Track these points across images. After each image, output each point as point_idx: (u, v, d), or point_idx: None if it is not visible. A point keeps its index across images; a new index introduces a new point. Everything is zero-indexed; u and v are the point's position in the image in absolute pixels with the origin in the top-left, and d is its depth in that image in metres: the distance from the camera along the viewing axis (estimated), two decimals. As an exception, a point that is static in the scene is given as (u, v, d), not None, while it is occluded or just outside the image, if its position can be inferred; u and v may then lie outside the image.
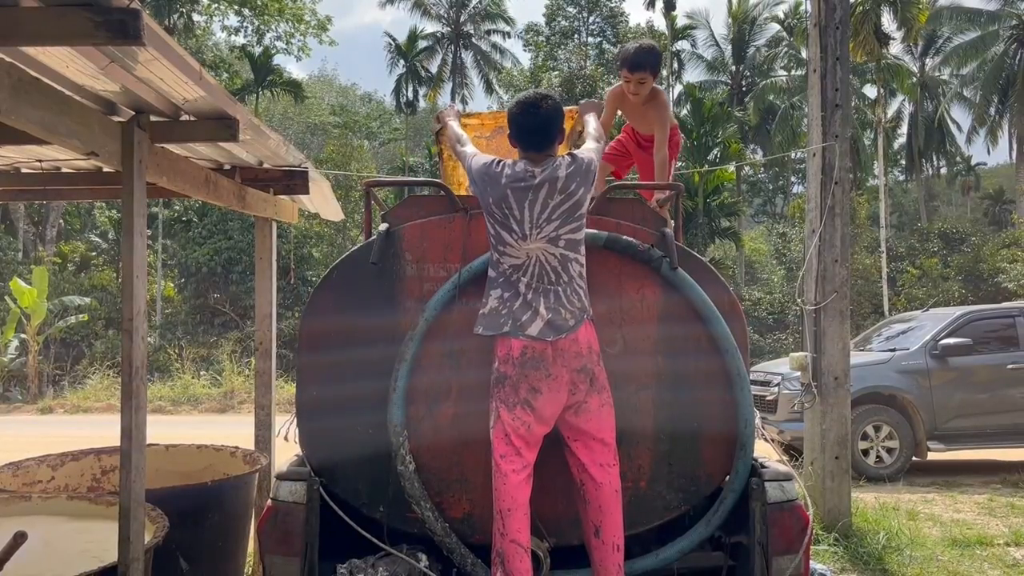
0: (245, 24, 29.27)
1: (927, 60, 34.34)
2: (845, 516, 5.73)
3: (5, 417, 14.96)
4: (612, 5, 39.36)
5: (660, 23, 33.75)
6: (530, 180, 2.71)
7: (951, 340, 8.56)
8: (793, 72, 32.13)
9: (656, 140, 3.92)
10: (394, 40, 38.56)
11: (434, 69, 39.19)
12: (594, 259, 2.86)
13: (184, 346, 19.27)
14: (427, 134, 36.73)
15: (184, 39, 26.06)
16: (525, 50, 40.54)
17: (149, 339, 3.89)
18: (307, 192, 4.39)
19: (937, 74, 34.36)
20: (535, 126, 2.80)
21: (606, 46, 38.07)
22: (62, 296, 19.75)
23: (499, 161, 2.81)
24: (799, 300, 6.20)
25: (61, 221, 27.18)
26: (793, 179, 38.43)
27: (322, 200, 4.82)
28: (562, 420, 2.71)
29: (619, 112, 4.24)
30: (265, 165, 4.16)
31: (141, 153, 2.72)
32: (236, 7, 27.70)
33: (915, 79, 31.09)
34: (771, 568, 2.78)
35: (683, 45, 35.26)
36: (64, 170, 4.11)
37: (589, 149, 2.91)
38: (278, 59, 41.49)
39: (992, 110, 30.77)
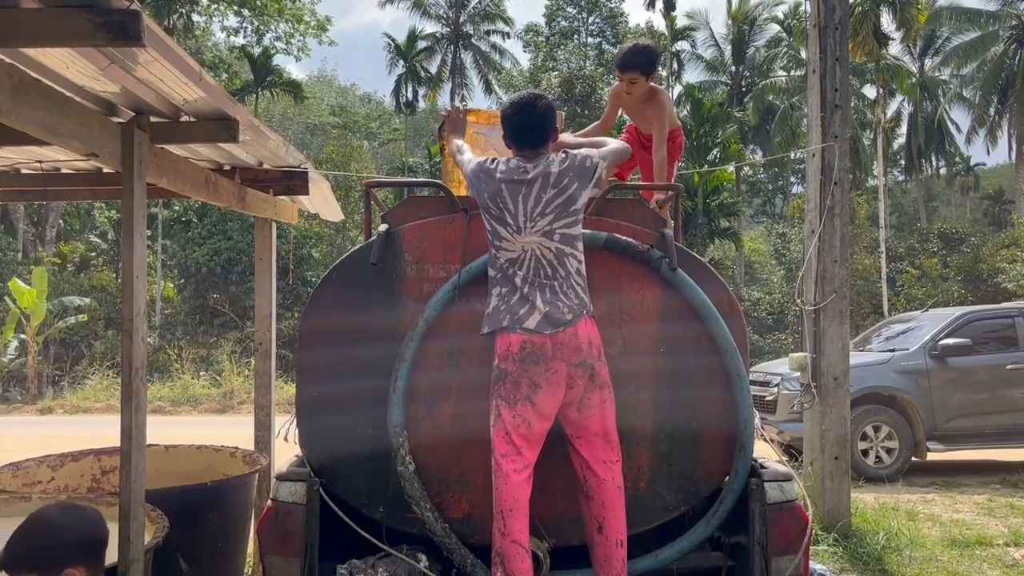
0: (245, 24, 29.24)
1: (926, 60, 34.37)
2: (844, 516, 5.73)
3: (5, 418, 14.96)
4: (612, 5, 39.36)
5: (660, 23, 33.81)
6: (523, 175, 2.77)
7: (950, 340, 8.57)
8: (793, 72, 32.13)
9: (654, 140, 3.92)
10: (393, 40, 38.60)
11: (433, 69, 39.23)
12: (594, 259, 2.87)
13: (184, 346, 19.27)
14: (427, 134, 36.78)
15: (184, 40, 26.05)
16: (525, 51, 40.58)
17: (149, 339, 3.89)
18: (307, 193, 4.39)
19: (937, 74, 34.38)
20: (529, 125, 2.84)
21: (606, 46, 38.06)
22: (62, 296, 19.74)
23: (493, 159, 2.87)
24: (798, 300, 6.20)
25: (60, 221, 27.18)
26: (793, 179, 38.44)
27: (322, 200, 4.82)
28: (564, 417, 2.72)
29: (622, 113, 4.26)
30: (265, 166, 4.17)
31: (141, 154, 2.72)
32: (236, 8, 27.68)
33: (914, 79, 31.11)
34: (770, 568, 2.78)
35: (683, 45, 35.33)
36: (64, 171, 4.11)
37: (589, 151, 2.92)
38: (278, 59, 41.49)
39: (991, 110, 30.76)
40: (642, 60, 3.83)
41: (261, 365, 4.72)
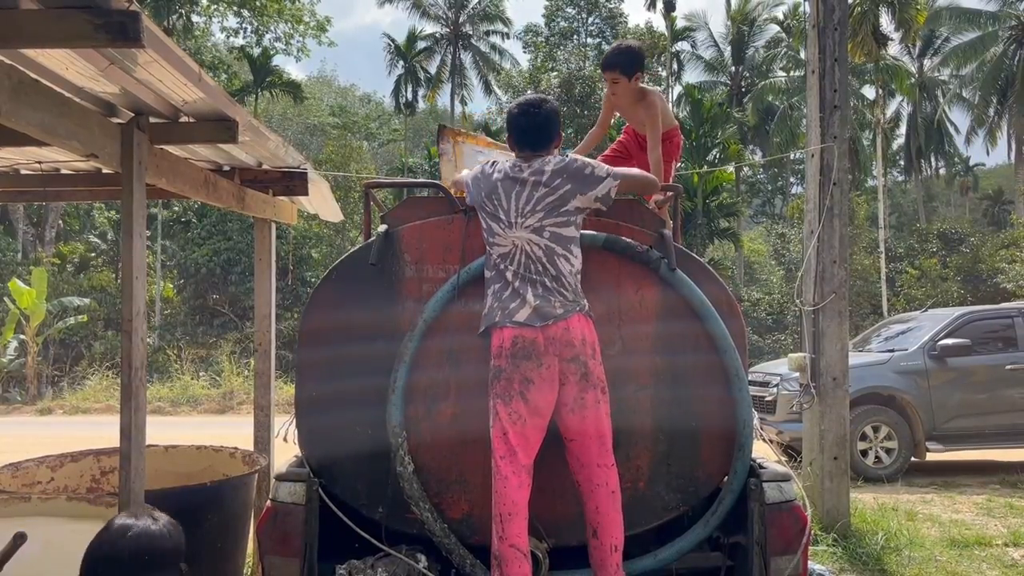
0: (244, 25, 29.23)
1: (926, 61, 34.38)
2: (844, 516, 5.74)
3: (4, 418, 14.96)
4: (611, 6, 39.36)
5: (660, 24, 33.84)
6: (518, 173, 2.81)
7: (950, 341, 8.58)
8: (792, 73, 32.12)
9: (648, 141, 3.92)
10: (393, 41, 38.62)
11: (433, 70, 39.25)
12: (593, 260, 2.87)
13: (183, 347, 19.27)
14: (426, 135, 36.79)
15: (183, 40, 26.04)
16: (524, 51, 40.57)
17: (148, 340, 3.89)
18: (306, 193, 4.40)
19: (936, 75, 34.38)
20: (532, 126, 2.89)
21: (605, 47, 37.95)
22: (61, 297, 19.74)
23: (493, 162, 2.92)
24: (798, 301, 6.20)
25: (60, 222, 27.16)
26: (792, 180, 38.47)
27: (321, 201, 4.83)
28: (559, 418, 2.72)
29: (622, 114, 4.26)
30: (264, 166, 4.17)
31: (141, 154, 2.73)
32: (235, 8, 27.68)
33: (914, 80, 31.11)
34: (769, 568, 2.78)
35: (683, 46, 35.34)
36: (63, 171, 4.11)
37: (599, 163, 2.92)
38: (277, 60, 41.53)
39: (991, 111, 30.76)
40: (622, 60, 3.82)
41: (260, 365, 4.72)
